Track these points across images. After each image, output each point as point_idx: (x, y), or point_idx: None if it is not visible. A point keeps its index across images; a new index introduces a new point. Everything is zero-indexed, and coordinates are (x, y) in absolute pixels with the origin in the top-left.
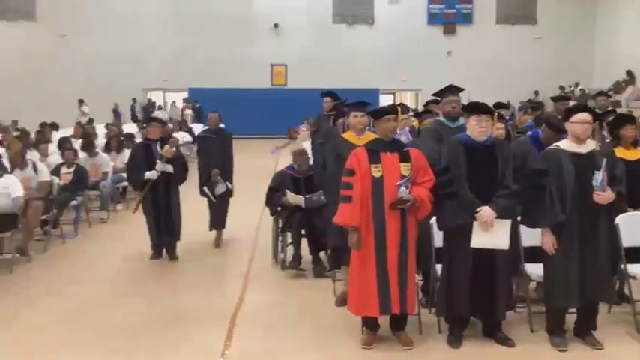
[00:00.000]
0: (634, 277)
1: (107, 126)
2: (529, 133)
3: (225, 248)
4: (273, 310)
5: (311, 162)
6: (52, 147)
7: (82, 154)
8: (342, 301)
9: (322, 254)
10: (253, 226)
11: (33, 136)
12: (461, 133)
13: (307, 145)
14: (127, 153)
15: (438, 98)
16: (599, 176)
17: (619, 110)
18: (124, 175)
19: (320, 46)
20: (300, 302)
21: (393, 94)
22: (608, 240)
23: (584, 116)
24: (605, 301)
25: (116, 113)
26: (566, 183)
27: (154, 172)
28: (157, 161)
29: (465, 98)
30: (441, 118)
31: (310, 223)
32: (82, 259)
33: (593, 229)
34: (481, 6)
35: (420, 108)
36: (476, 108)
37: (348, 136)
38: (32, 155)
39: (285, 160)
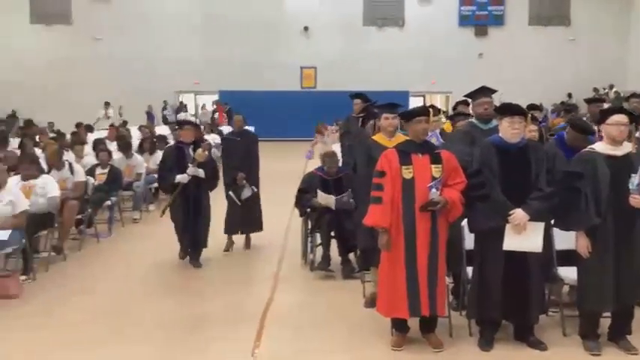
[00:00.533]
0: None
1: (140, 128)
2: (555, 135)
3: (254, 250)
4: (303, 311)
5: (340, 164)
6: (87, 148)
7: (116, 155)
8: (371, 302)
9: (351, 255)
10: (282, 227)
11: (68, 137)
12: (493, 135)
13: (337, 147)
14: (159, 154)
15: (468, 100)
16: (635, 179)
17: None
18: (157, 176)
19: (350, 49)
20: (329, 303)
21: (423, 96)
22: None
23: (620, 118)
24: None
25: (149, 115)
26: (602, 186)
27: (184, 175)
28: (189, 165)
29: (496, 100)
30: (473, 120)
31: (340, 224)
32: (116, 258)
33: (628, 232)
34: (513, 7)
35: (450, 111)
36: (509, 109)
37: (379, 137)
38: (68, 156)
39: (314, 162)
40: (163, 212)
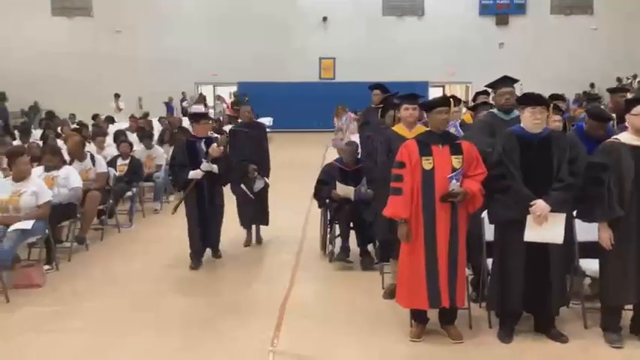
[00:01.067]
0: None
1: (160, 119)
2: (574, 125)
3: (273, 240)
4: (322, 302)
5: (359, 155)
6: (108, 139)
7: (138, 147)
8: (390, 293)
9: (370, 247)
10: (301, 218)
11: (90, 129)
12: (515, 125)
13: (356, 138)
14: None
15: (488, 90)
16: None
17: None
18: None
19: (369, 39)
20: (348, 294)
21: (443, 87)
22: None
23: None
24: None
25: (168, 107)
26: (626, 177)
27: (198, 171)
28: (203, 160)
29: (517, 91)
30: (494, 111)
31: (359, 215)
32: (137, 249)
33: None
34: None
35: (471, 102)
36: (531, 99)
37: (399, 128)
38: (90, 147)
39: (332, 153)
40: (175, 209)
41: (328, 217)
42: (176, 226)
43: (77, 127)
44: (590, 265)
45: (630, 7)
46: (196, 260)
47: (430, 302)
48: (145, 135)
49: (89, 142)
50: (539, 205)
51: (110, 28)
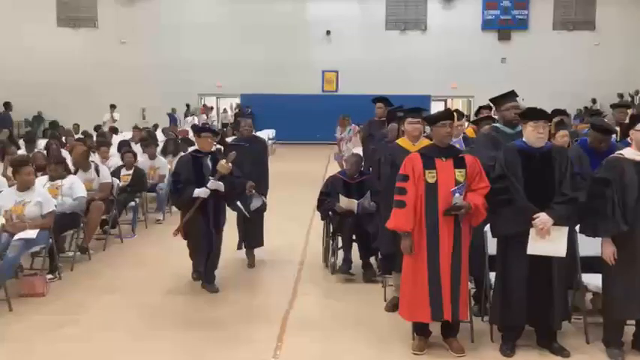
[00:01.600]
0: None
1: (164, 130)
2: (577, 140)
3: (276, 252)
4: (324, 314)
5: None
6: (112, 150)
7: (141, 157)
8: (392, 306)
9: (372, 259)
10: (304, 230)
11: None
12: (518, 139)
13: (359, 151)
14: None
15: (491, 104)
16: None
17: None
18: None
19: (372, 53)
20: (350, 306)
21: (445, 101)
22: None
23: None
24: None
25: (172, 118)
26: (629, 192)
27: (204, 189)
28: (209, 177)
29: None
30: (498, 125)
31: (361, 227)
32: (139, 259)
33: None
34: (537, 12)
35: (473, 116)
36: (534, 114)
37: (403, 142)
38: (94, 157)
39: (335, 165)
40: (178, 231)
41: (331, 230)
42: (178, 237)
43: (81, 137)
44: (593, 280)
45: (632, 23)
46: (212, 285)
47: (433, 315)
48: (148, 143)
49: (94, 153)
50: (542, 218)
51: (115, 39)
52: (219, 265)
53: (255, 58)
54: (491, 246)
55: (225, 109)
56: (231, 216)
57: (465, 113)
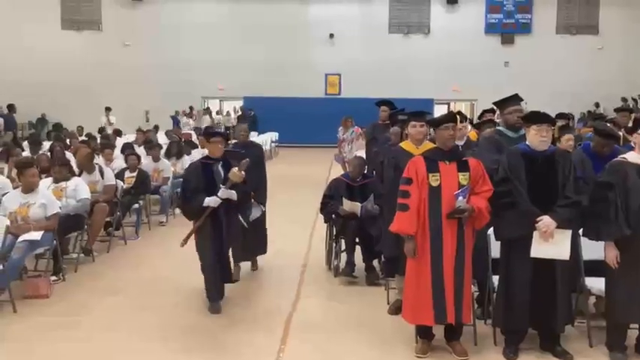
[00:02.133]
0: None
1: (167, 133)
2: (580, 145)
3: (279, 254)
4: (327, 317)
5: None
6: (116, 152)
7: (145, 160)
8: (395, 309)
9: (375, 262)
10: (307, 233)
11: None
12: (521, 143)
13: (362, 154)
14: (186, 159)
15: (495, 107)
16: None
17: None
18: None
19: (375, 56)
20: (352, 309)
21: (448, 104)
22: None
23: None
24: None
25: (174, 120)
26: (632, 195)
27: (215, 198)
28: (220, 186)
29: None
30: (502, 128)
31: (365, 230)
32: (142, 261)
33: None
34: (540, 15)
35: (476, 119)
36: (537, 117)
37: (407, 145)
38: (98, 160)
39: (338, 168)
40: (186, 241)
41: (334, 232)
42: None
43: (85, 139)
44: (596, 284)
45: (636, 27)
46: (216, 302)
47: (436, 318)
48: (151, 146)
49: (98, 155)
50: (545, 221)
51: (119, 41)
52: None
53: (257, 61)
54: (495, 249)
55: (227, 111)
56: None
57: (468, 117)
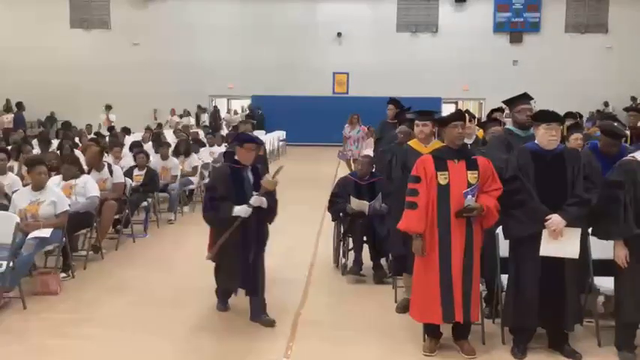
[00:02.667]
0: None
1: (175, 131)
2: (588, 143)
3: (286, 253)
4: (334, 315)
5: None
6: (125, 150)
7: (154, 158)
8: (403, 308)
9: (382, 261)
10: (314, 231)
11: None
12: (530, 141)
13: (370, 153)
14: (194, 157)
15: (504, 106)
16: None
17: None
18: (192, 178)
19: (382, 55)
20: (360, 308)
21: (456, 103)
22: None
23: None
24: None
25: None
26: None
27: (245, 207)
28: (253, 193)
29: None
30: (511, 127)
31: (372, 229)
32: (151, 258)
33: None
34: (549, 14)
35: (484, 118)
36: (546, 116)
37: (415, 143)
38: (107, 158)
39: (345, 167)
40: (215, 255)
41: (341, 231)
42: (189, 237)
43: (94, 137)
44: (605, 283)
45: None
46: (224, 300)
47: (444, 317)
48: (160, 146)
49: (107, 153)
50: (555, 219)
51: (127, 41)
52: None
53: (266, 59)
54: (503, 248)
55: (235, 110)
56: None
57: (477, 116)
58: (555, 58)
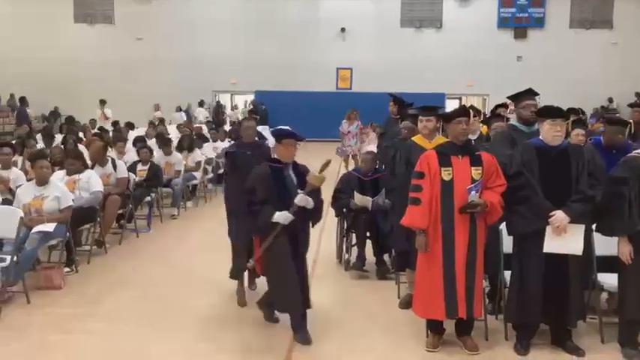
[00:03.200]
0: None
1: (179, 126)
2: (591, 139)
3: None
4: (337, 311)
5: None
6: (128, 145)
7: (157, 153)
8: (406, 303)
9: (386, 256)
10: (317, 227)
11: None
12: (534, 137)
13: (374, 149)
14: (197, 152)
15: (508, 101)
16: None
17: None
18: (195, 173)
19: (386, 50)
20: (363, 303)
21: (460, 98)
22: None
23: None
24: None
25: (187, 114)
26: None
27: (285, 214)
28: (298, 191)
29: None
30: (515, 123)
31: (376, 225)
32: (154, 253)
33: None
34: (554, 10)
35: (488, 113)
36: (551, 112)
37: (419, 139)
38: (111, 153)
39: (349, 163)
40: (256, 264)
41: (345, 226)
42: (192, 232)
43: (98, 132)
44: (608, 280)
45: None
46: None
47: (447, 313)
48: (163, 141)
49: (111, 148)
50: (559, 216)
51: (131, 35)
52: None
53: (269, 55)
54: (507, 244)
55: (235, 105)
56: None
57: (482, 111)
58: (560, 54)
